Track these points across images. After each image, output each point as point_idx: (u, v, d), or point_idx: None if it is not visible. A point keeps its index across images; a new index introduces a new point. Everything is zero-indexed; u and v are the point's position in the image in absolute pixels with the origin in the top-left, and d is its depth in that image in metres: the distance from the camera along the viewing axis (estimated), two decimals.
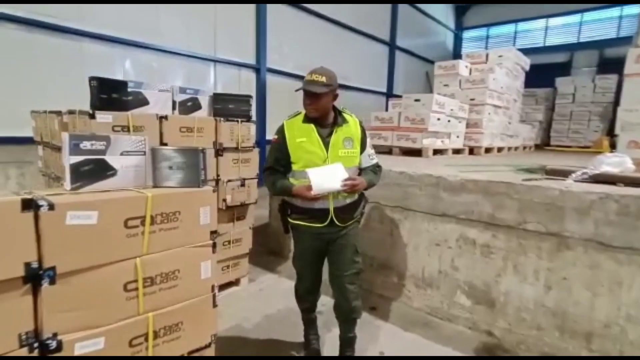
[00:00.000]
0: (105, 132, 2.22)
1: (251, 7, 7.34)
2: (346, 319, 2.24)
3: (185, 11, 6.34)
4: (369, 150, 2.25)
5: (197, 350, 1.54)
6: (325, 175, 1.89)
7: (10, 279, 1.04)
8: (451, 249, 2.85)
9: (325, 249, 2.16)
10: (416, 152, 4.87)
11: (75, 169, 1.28)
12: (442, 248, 2.90)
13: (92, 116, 2.17)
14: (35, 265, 1.08)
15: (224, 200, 2.97)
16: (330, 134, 1.99)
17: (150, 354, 1.37)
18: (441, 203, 2.87)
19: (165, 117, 2.55)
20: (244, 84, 7.50)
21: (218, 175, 2.97)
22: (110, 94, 2.32)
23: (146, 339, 1.35)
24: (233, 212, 3.17)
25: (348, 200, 2.07)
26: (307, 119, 2.01)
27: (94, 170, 1.31)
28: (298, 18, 8.19)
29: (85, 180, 1.30)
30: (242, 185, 3.08)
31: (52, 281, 1.12)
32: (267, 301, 3.17)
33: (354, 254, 2.16)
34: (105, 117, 2.22)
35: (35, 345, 1.12)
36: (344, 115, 2.10)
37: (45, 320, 1.13)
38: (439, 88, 6.15)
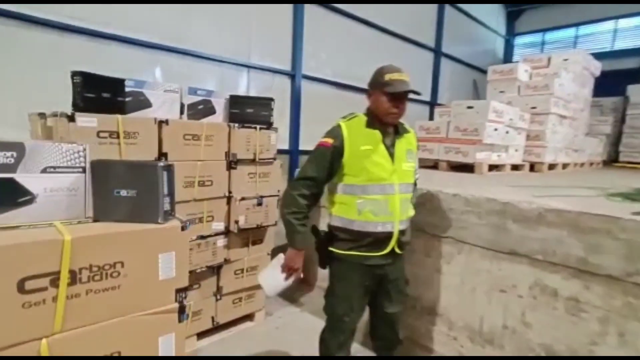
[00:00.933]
0: (89, 139, 1.81)
1: (288, 11, 6.99)
2: (390, 348, 2.03)
3: (219, 15, 6.10)
4: (417, 166, 1.96)
5: None
6: (274, 274, 1.76)
7: None
8: (522, 298, 2.17)
9: (375, 286, 1.82)
10: (467, 168, 4.17)
11: None
12: (509, 296, 2.22)
13: (71, 118, 1.77)
14: None
15: (236, 221, 2.49)
16: (393, 143, 1.74)
17: None
18: (508, 237, 2.20)
19: (166, 122, 2.12)
20: (277, 90, 7.13)
21: (230, 192, 2.50)
22: (99, 93, 1.93)
23: None
24: (247, 236, 2.68)
25: (408, 222, 1.85)
26: (372, 124, 1.71)
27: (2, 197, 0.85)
28: (337, 23, 7.75)
29: None
30: (259, 204, 2.59)
31: None
32: (282, 342, 2.64)
33: (404, 286, 1.97)
34: (88, 121, 1.81)
35: None
36: (404, 125, 1.87)
37: None
38: (493, 95, 5.40)
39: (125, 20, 5.04)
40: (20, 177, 0.88)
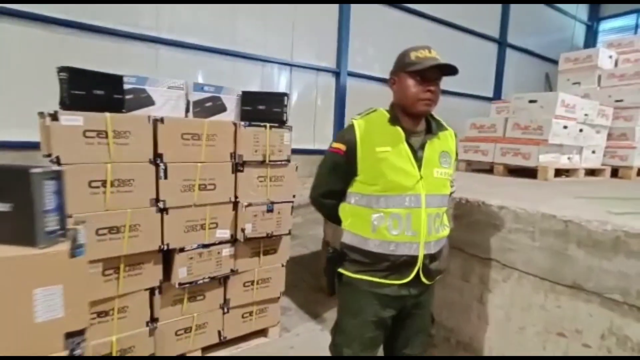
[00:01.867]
0: (75, 139, 1.69)
1: (334, 7, 6.72)
2: None
3: (262, 14, 6.01)
4: (454, 174, 1.58)
5: None
6: None
7: None
8: (589, 348, 1.64)
9: (392, 321, 1.47)
10: (529, 172, 3.53)
11: None
12: (571, 343, 1.71)
13: (54, 117, 1.65)
14: None
15: (243, 229, 2.25)
16: (423, 145, 1.39)
17: None
18: (571, 266, 1.69)
19: (161, 120, 1.94)
20: (321, 89, 6.92)
21: (236, 197, 2.27)
22: (89, 90, 1.80)
23: None
24: (258, 245, 2.43)
25: (441, 244, 1.45)
26: (395, 119, 1.39)
27: None
28: (385, 16, 7.30)
29: None
30: (270, 210, 2.33)
31: None
32: None
33: (430, 324, 1.58)
34: (72, 119, 1.69)
35: None
36: (439, 120, 1.51)
37: None
38: (565, 87, 4.60)
39: (172, 25, 5.15)
40: None
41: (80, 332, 0.83)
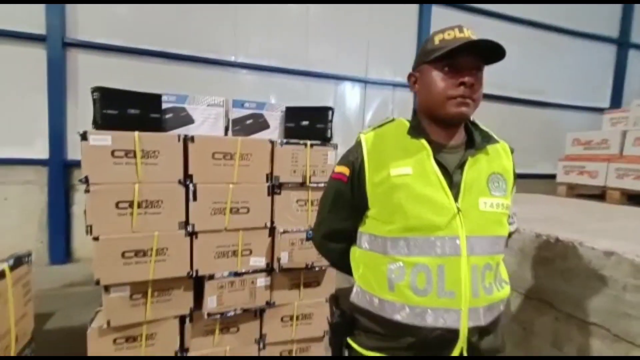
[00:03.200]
0: (104, 158, 1.68)
1: (411, 20, 6.37)
2: None
3: (336, 35, 5.95)
4: (512, 206, 1.11)
5: None
6: None
7: None
8: None
9: None
10: None
11: None
12: None
13: (84, 137, 1.65)
14: None
15: (278, 259, 2.03)
16: (462, 165, 0.99)
17: None
18: None
19: (191, 139, 1.85)
20: (398, 104, 6.55)
21: (272, 222, 2.07)
22: (123, 110, 1.79)
23: None
24: (298, 277, 2.18)
25: (496, 310, 0.99)
26: (419, 130, 1.02)
27: None
28: (471, 23, 6.65)
29: None
30: (310, 238, 2.07)
31: None
32: None
33: None
34: (100, 139, 1.67)
35: None
36: (485, 130, 1.09)
37: None
38: None
39: (247, 50, 5.40)
40: None
41: None
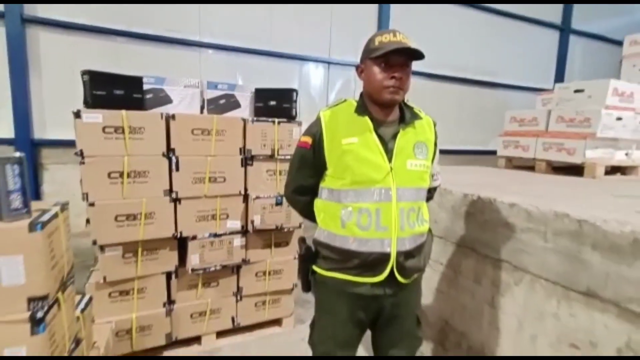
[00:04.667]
0: (95, 134, 1.88)
1: (373, 7, 6.60)
2: None
3: (299, 14, 6.10)
4: (436, 166, 1.52)
5: None
6: None
7: None
8: None
9: (371, 321, 1.43)
10: (576, 170, 3.21)
11: None
12: (585, 355, 1.53)
13: (77, 115, 1.85)
14: None
15: (252, 221, 2.33)
16: (395, 135, 1.32)
17: None
18: (585, 271, 1.52)
19: (173, 117, 2.08)
20: (360, 84, 6.83)
21: (246, 190, 2.36)
22: (110, 90, 1.99)
23: None
24: (270, 237, 2.51)
25: (417, 240, 1.36)
26: (364, 109, 1.34)
27: None
28: (430, 10, 7.01)
29: None
30: (278, 204, 2.38)
31: None
32: (306, 354, 2.38)
33: (416, 326, 1.49)
34: (92, 117, 1.88)
35: None
36: (413, 109, 1.43)
37: None
38: (631, 74, 4.08)
39: (212, 29, 5.44)
40: None
41: (43, 298, 0.95)
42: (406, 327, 1.45)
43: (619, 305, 1.41)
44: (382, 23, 6.57)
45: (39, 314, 0.93)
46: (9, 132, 4.34)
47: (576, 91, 3.22)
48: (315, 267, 1.41)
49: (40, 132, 4.45)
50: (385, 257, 1.28)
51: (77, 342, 1.25)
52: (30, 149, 4.43)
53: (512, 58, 7.76)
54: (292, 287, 2.67)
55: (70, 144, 4.16)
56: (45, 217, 0.95)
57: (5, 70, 4.24)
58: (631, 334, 1.38)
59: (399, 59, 1.25)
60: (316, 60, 6.27)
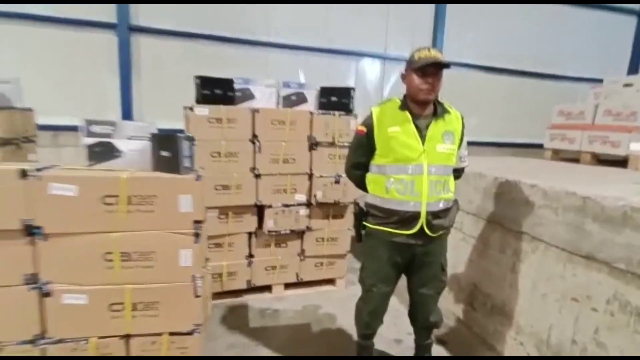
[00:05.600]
0: (203, 123, 2.56)
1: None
2: (422, 327, 2.11)
3: (356, 11, 6.49)
4: (464, 150, 1.97)
5: (178, 334, 1.57)
6: None
7: (12, 230, 1.35)
8: (596, 312, 1.81)
9: (405, 265, 1.90)
10: (620, 162, 3.35)
11: (90, 149, 1.52)
12: (582, 308, 1.89)
13: (191, 109, 2.53)
14: (29, 222, 1.36)
15: (315, 195, 2.90)
16: (428, 125, 1.76)
17: (128, 322, 1.50)
18: (587, 239, 1.86)
19: (257, 110, 2.70)
20: None
21: (311, 170, 2.93)
22: (212, 90, 2.65)
23: (124, 308, 1.49)
24: (328, 210, 3.06)
25: (442, 204, 1.81)
26: (405, 106, 1.78)
27: (103, 152, 1.52)
28: (489, 5, 7.02)
29: (97, 160, 1.53)
30: (337, 182, 2.92)
31: (45, 238, 1.38)
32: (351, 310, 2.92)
33: (441, 272, 1.96)
34: (201, 111, 2.55)
35: (33, 285, 1.41)
36: (445, 105, 1.86)
37: (42, 268, 1.41)
38: None
39: (277, 30, 6.07)
40: (114, 140, 1.54)
41: (200, 222, 1.57)
42: (433, 271, 1.92)
43: (610, 264, 1.75)
44: (439, 17, 6.77)
45: (199, 231, 1.56)
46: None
47: (625, 85, 3.34)
48: (365, 223, 1.93)
49: (139, 120, 5.43)
50: (417, 215, 1.76)
51: (206, 259, 1.90)
52: None
53: (578, 48, 7.48)
54: (345, 253, 3.21)
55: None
56: (200, 174, 1.57)
57: (116, 75, 5.25)
58: (617, 288, 1.72)
59: (432, 70, 1.70)
60: (372, 56, 6.65)
